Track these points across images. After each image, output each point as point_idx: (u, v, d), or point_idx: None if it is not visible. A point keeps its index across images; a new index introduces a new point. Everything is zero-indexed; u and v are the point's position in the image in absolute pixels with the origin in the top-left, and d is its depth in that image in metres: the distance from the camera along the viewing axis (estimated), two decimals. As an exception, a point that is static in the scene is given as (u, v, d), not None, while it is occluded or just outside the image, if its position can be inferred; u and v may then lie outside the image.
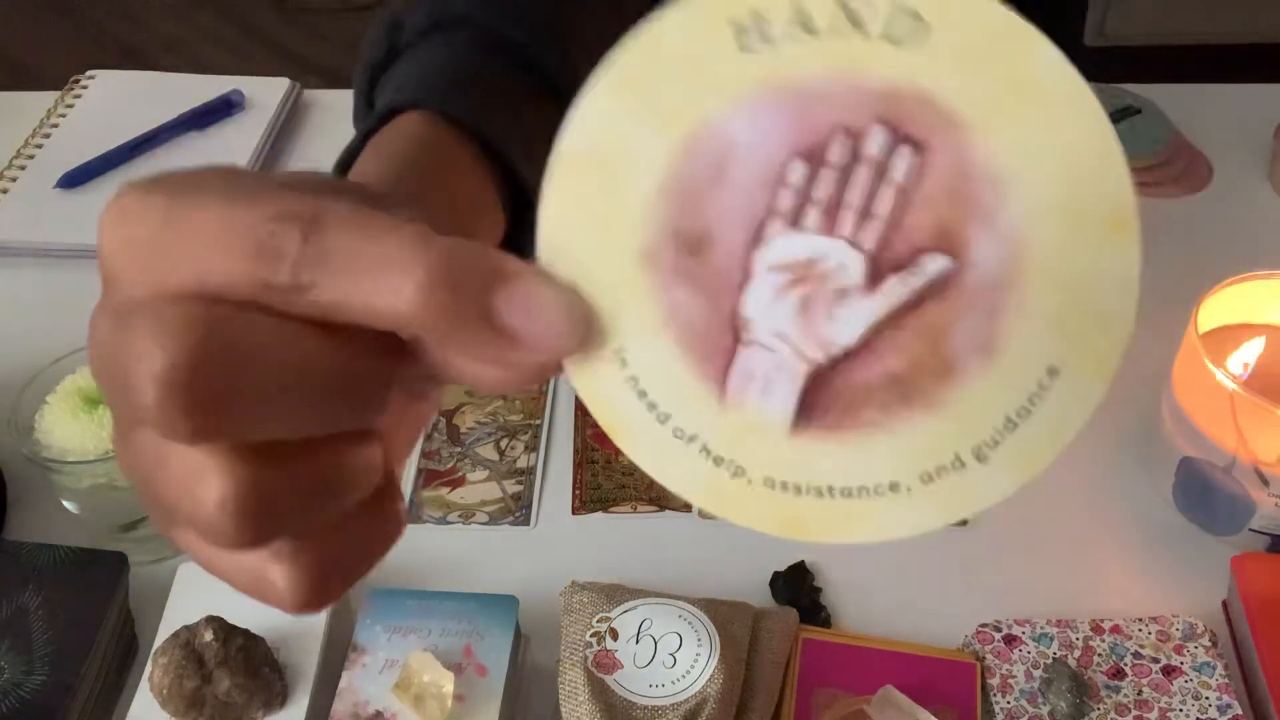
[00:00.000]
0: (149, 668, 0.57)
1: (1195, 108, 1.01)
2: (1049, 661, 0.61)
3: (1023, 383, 0.25)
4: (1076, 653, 0.62)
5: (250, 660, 0.56)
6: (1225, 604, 0.66)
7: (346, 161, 0.44)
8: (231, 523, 0.26)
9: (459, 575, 0.69)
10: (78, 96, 1.05)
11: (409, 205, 0.31)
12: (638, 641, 0.59)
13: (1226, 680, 0.60)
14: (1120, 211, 0.24)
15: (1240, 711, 0.59)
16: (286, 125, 1.04)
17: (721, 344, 0.26)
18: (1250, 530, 0.67)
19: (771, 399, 0.26)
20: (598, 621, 0.60)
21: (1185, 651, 0.62)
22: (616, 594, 0.61)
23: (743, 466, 0.26)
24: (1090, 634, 0.63)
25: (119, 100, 1.05)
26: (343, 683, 0.57)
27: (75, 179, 0.95)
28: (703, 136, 0.25)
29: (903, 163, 0.24)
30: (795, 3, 0.24)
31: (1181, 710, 0.59)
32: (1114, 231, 0.24)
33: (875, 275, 0.25)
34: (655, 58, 0.25)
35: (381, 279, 0.25)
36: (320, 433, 0.27)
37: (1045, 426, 0.25)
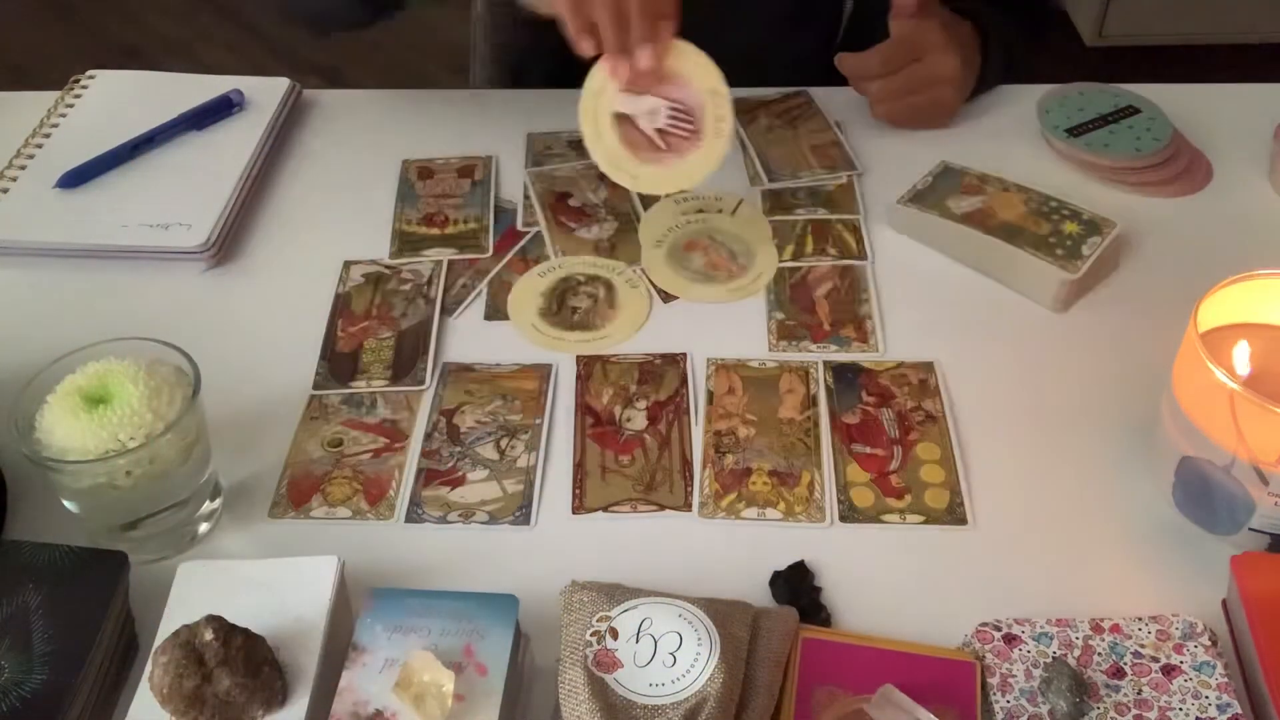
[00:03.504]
0: (149, 667, 0.57)
1: (1195, 108, 1.01)
2: (1049, 661, 0.61)
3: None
4: (1076, 652, 0.62)
5: (250, 659, 0.56)
6: (1225, 603, 0.66)
7: None
8: None
9: (459, 575, 0.69)
10: (78, 96, 1.06)
11: None
12: (638, 641, 0.59)
13: (1226, 680, 0.60)
14: None
15: (1240, 711, 0.59)
16: (286, 125, 1.04)
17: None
18: (1250, 530, 0.67)
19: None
20: (598, 621, 0.60)
21: (1185, 651, 0.62)
22: (616, 594, 0.61)
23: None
24: (1090, 633, 0.63)
25: (119, 100, 1.05)
26: (343, 682, 0.57)
27: (75, 179, 0.95)
28: None
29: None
30: None
31: (1181, 709, 0.59)
32: None
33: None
34: None
35: None
36: None
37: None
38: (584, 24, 0.79)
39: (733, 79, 0.83)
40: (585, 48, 0.80)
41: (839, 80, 1.02)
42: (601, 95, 0.81)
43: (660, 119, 0.79)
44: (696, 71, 0.79)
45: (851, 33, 1.10)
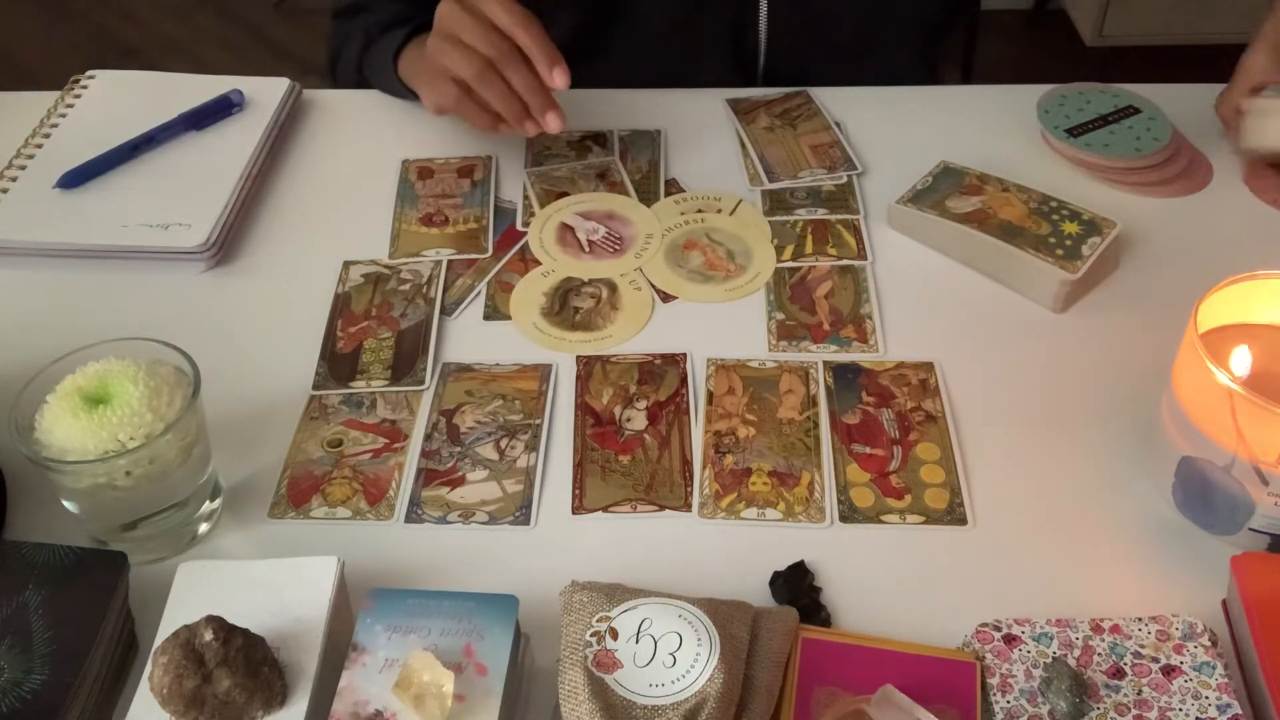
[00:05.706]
0: (149, 667, 0.57)
1: (1195, 108, 1.01)
2: (1049, 661, 0.61)
3: None
4: (1076, 652, 0.62)
5: (250, 660, 0.56)
6: (1225, 604, 0.66)
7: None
8: None
9: (459, 575, 0.69)
10: (78, 96, 1.06)
11: None
12: (638, 641, 0.59)
13: (1226, 680, 0.60)
14: None
15: (1240, 711, 0.59)
16: (286, 125, 1.04)
17: None
18: (1250, 530, 0.67)
19: None
20: (598, 621, 0.60)
21: (1185, 651, 0.62)
22: (616, 594, 0.61)
23: None
24: (1090, 633, 0.63)
25: (119, 100, 1.05)
26: (343, 682, 0.57)
27: (75, 179, 0.95)
28: None
29: None
30: None
31: (1181, 710, 0.59)
32: None
33: None
34: None
35: None
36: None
37: None
38: (479, 115, 0.92)
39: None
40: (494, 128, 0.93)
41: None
42: (560, 210, 0.96)
43: (596, 236, 0.92)
44: (640, 220, 0.93)
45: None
